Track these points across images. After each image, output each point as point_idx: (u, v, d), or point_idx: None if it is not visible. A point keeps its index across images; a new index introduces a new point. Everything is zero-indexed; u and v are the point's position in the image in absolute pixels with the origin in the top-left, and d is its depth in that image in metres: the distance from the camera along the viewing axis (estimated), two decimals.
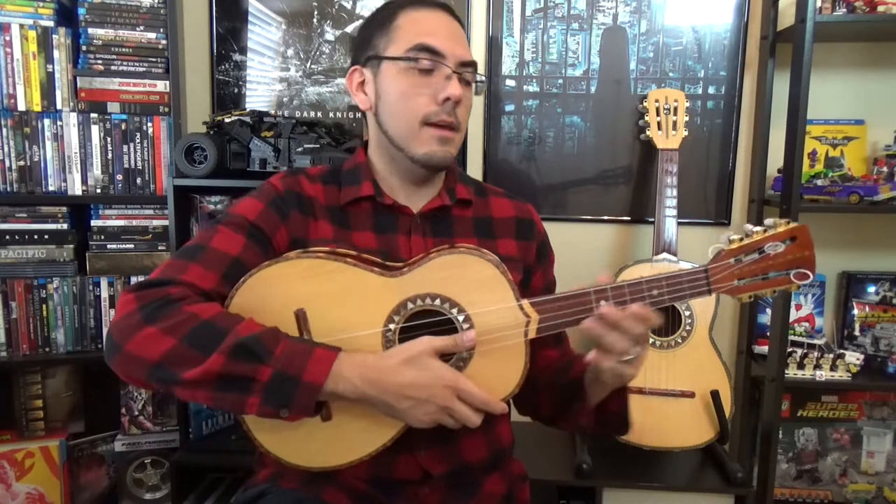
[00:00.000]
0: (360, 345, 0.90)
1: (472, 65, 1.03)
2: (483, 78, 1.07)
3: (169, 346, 0.82)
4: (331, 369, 0.84)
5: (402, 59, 0.99)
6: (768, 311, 1.84)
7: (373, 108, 1.05)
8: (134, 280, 1.77)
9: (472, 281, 0.92)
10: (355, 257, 0.93)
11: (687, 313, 1.72)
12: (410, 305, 0.92)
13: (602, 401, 1.03)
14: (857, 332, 1.91)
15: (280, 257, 0.92)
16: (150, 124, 1.76)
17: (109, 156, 1.75)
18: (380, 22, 1.04)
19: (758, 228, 0.93)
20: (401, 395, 0.86)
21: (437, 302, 0.92)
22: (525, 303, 0.92)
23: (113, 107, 1.75)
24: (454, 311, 0.92)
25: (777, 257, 0.91)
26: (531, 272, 1.12)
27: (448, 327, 0.92)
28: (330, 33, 1.95)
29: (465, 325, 0.91)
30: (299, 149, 1.62)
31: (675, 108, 1.80)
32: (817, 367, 1.78)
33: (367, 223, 1.04)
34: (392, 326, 0.92)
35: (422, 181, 1.07)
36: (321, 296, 0.91)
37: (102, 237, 1.77)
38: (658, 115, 1.81)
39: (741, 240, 0.92)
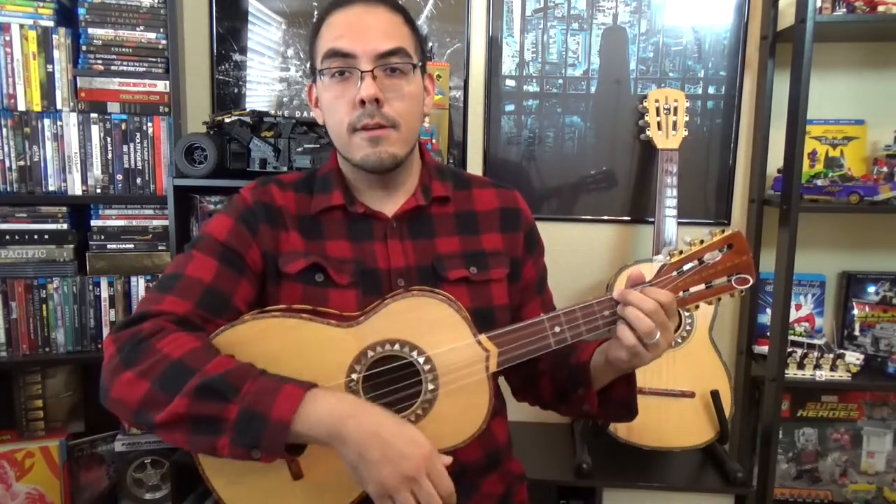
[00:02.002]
0: None
1: (396, 52, 0.96)
2: (410, 61, 0.98)
3: (144, 390, 0.83)
4: (299, 406, 0.80)
5: (321, 70, 0.98)
6: (768, 311, 1.84)
7: (324, 122, 1.04)
8: (134, 280, 1.77)
9: (428, 322, 0.92)
10: (311, 312, 0.93)
11: (687, 314, 1.72)
12: (371, 353, 0.92)
13: (607, 386, 1.01)
14: (857, 332, 1.91)
15: (236, 321, 0.91)
16: (150, 124, 1.76)
17: (109, 156, 1.75)
18: (313, 34, 1.02)
19: (695, 240, 0.95)
20: (374, 439, 0.80)
21: (397, 347, 0.92)
22: (482, 337, 0.92)
23: (113, 107, 1.74)
24: (414, 353, 0.92)
25: (716, 265, 0.93)
26: (520, 264, 1.09)
27: (410, 370, 0.92)
28: None
29: (427, 367, 0.92)
30: (299, 149, 1.62)
31: (675, 108, 1.80)
32: (817, 367, 1.78)
33: (340, 232, 1.03)
34: (354, 376, 0.92)
35: (387, 184, 1.03)
36: (280, 354, 0.91)
37: (102, 237, 1.77)
38: (658, 115, 1.81)
39: (681, 253, 0.94)
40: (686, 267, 0.93)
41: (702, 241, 0.94)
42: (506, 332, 0.93)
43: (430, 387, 0.92)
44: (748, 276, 0.93)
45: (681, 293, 0.93)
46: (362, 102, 0.94)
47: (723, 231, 0.94)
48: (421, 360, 0.92)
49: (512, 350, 0.93)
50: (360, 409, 0.83)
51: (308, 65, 1.06)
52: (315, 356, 0.92)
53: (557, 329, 0.93)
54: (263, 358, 0.91)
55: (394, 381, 0.93)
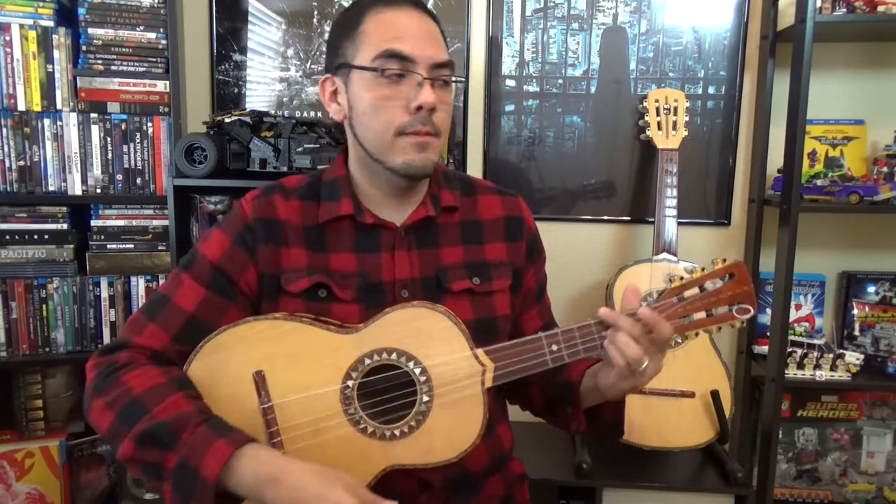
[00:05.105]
0: (319, 404, 0.91)
1: (448, 65, 0.96)
2: (459, 78, 1.00)
3: (109, 421, 0.87)
4: (225, 463, 0.79)
5: (369, 68, 0.93)
6: (768, 311, 1.84)
7: (347, 119, 1.00)
8: (134, 280, 1.77)
9: (426, 334, 0.92)
10: (313, 318, 0.94)
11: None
12: (368, 361, 0.92)
13: (597, 406, 1.01)
14: (856, 332, 1.91)
15: (237, 321, 0.93)
16: (150, 124, 1.76)
17: (109, 156, 1.75)
18: (346, 26, 0.97)
19: (697, 267, 0.95)
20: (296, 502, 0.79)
21: (394, 356, 0.92)
22: (479, 352, 0.92)
23: (113, 107, 1.74)
24: (411, 364, 0.92)
25: (717, 293, 0.93)
26: (522, 273, 1.08)
27: (406, 380, 0.92)
28: None
29: (422, 378, 0.92)
30: (299, 149, 1.62)
31: (675, 108, 1.80)
32: (817, 367, 1.78)
33: (347, 243, 1.00)
34: (350, 383, 0.92)
35: (404, 192, 1.01)
36: (279, 356, 0.92)
37: (102, 237, 1.77)
38: (658, 115, 1.81)
39: (681, 279, 0.94)
40: (687, 294, 0.93)
41: (703, 269, 0.94)
42: (503, 347, 0.93)
43: (425, 398, 0.92)
44: (749, 306, 0.93)
45: (680, 319, 0.93)
46: (419, 108, 0.92)
47: (724, 260, 0.94)
48: (417, 370, 0.92)
49: (508, 366, 0.92)
50: (283, 471, 0.80)
51: (328, 58, 1.02)
52: (312, 360, 0.92)
53: (555, 347, 0.93)
54: (260, 359, 0.92)
55: (389, 389, 0.92)
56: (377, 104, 0.94)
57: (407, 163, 0.95)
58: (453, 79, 0.98)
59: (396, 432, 0.92)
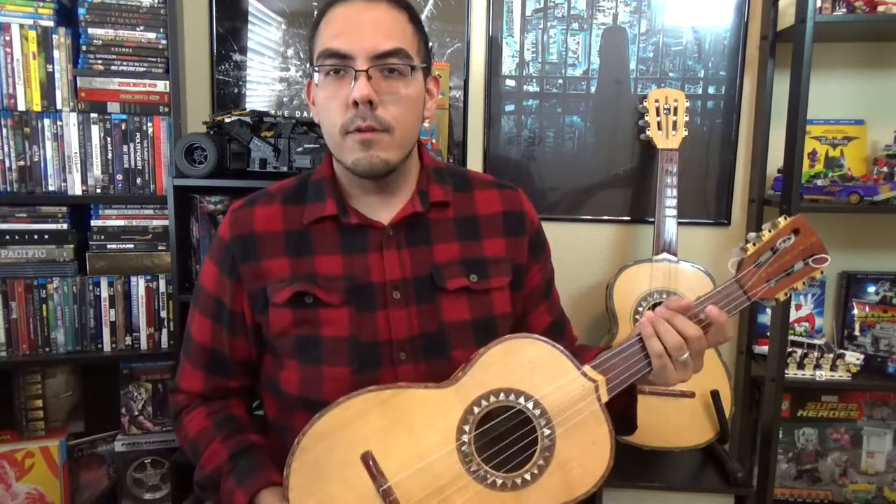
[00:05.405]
0: (439, 470, 0.86)
1: (395, 52, 0.90)
2: (411, 63, 0.92)
3: (185, 451, 1.06)
4: None
5: (315, 69, 0.94)
6: (768, 311, 1.84)
7: (319, 121, 0.99)
8: (134, 280, 1.77)
9: (527, 364, 0.89)
10: (407, 382, 0.91)
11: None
12: (476, 409, 0.88)
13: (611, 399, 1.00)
14: (857, 332, 1.91)
15: (331, 405, 0.86)
16: (150, 124, 1.76)
17: (109, 156, 1.75)
18: (313, 29, 0.97)
19: (763, 231, 0.94)
20: None
21: (502, 396, 0.88)
22: (587, 368, 0.90)
23: (113, 107, 1.74)
24: (521, 400, 0.88)
25: (791, 250, 0.93)
26: (524, 270, 1.06)
27: (521, 418, 0.89)
28: None
29: (537, 412, 0.88)
30: (299, 149, 1.62)
31: (675, 108, 1.80)
32: (817, 367, 1.78)
33: (332, 245, 0.98)
34: (465, 438, 0.87)
35: (382, 189, 0.99)
36: (383, 430, 0.86)
37: (102, 237, 1.77)
38: (658, 115, 1.81)
39: (754, 244, 0.93)
40: (763, 258, 0.93)
41: (770, 230, 0.94)
42: (608, 357, 0.91)
43: (546, 432, 0.88)
44: (823, 254, 0.94)
45: (766, 284, 0.93)
46: (355, 103, 0.89)
47: (785, 217, 0.94)
48: (530, 405, 0.88)
49: (617, 375, 0.90)
50: None
51: (308, 62, 1.04)
52: (420, 424, 0.87)
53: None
54: (364, 438, 0.85)
55: (506, 433, 0.88)
56: (324, 104, 0.94)
57: (354, 162, 0.93)
58: (411, 65, 0.92)
59: (527, 476, 0.88)
